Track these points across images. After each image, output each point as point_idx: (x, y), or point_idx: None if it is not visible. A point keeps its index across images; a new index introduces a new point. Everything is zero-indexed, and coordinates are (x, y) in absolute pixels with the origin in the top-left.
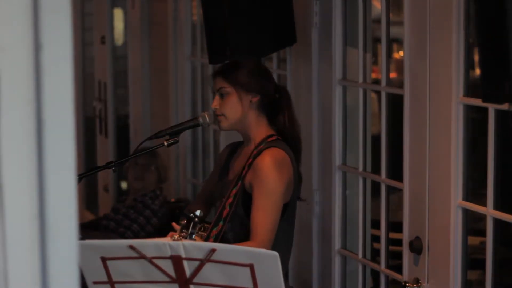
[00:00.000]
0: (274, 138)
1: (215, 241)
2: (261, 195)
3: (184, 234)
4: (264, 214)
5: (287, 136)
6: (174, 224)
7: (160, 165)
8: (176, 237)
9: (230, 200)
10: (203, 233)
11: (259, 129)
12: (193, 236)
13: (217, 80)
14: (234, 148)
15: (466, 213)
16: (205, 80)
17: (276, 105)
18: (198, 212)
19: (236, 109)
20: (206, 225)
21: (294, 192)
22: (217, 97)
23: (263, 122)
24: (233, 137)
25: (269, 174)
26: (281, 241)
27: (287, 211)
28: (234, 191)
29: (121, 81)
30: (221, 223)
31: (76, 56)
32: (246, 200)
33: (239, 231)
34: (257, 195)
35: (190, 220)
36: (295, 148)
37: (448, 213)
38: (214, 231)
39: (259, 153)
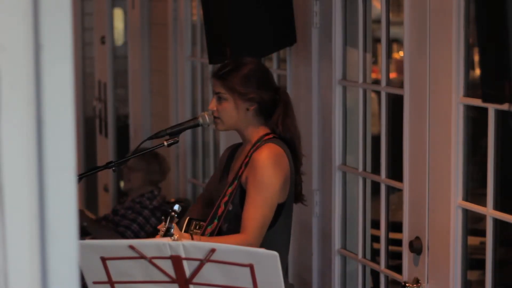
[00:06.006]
0: (270, 136)
1: None
2: (255, 190)
3: (164, 229)
4: (256, 209)
5: (281, 136)
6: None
7: (161, 159)
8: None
9: (226, 199)
10: (198, 231)
11: (256, 130)
12: (171, 230)
13: (215, 82)
14: (234, 150)
15: (466, 213)
16: (205, 80)
17: (273, 108)
18: (176, 207)
19: (232, 115)
20: (202, 223)
21: (291, 190)
22: (214, 99)
23: (260, 123)
24: (233, 137)
25: (265, 169)
26: (280, 239)
27: (284, 210)
28: (229, 190)
29: (121, 81)
30: (215, 222)
31: (76, 56)
32: (242, 198)
33: (237, 230)
34: (251, 189)
35: (167, 214)
36: (291, 150)
37: (448, 213)
38: (209, 229)
39: (255, 150)
